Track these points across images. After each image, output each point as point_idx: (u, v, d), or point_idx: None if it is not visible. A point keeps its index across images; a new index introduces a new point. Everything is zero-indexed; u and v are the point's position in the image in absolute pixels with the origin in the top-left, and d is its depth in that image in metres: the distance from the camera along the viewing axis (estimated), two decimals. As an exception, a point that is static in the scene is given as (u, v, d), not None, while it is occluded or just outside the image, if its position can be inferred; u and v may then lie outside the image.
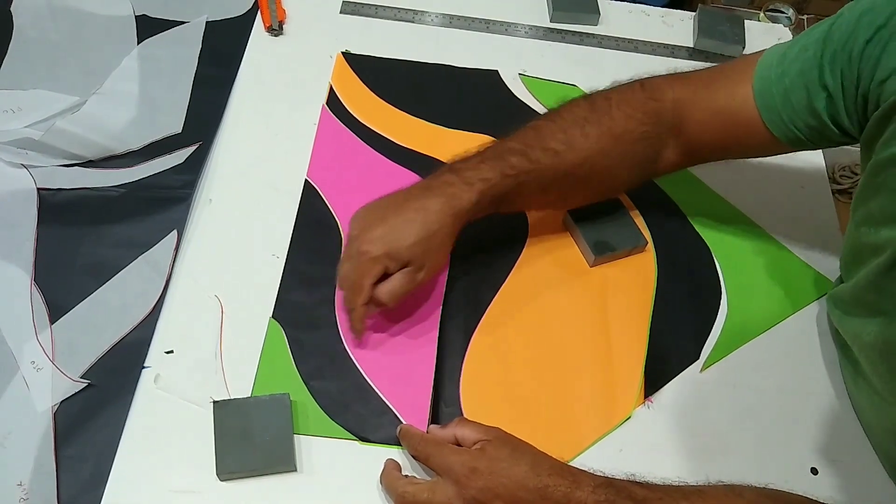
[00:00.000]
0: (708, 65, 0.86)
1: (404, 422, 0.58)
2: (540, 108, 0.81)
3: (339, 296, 0.65)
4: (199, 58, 0.81)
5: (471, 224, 0.70)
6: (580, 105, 0.63)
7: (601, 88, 0.65)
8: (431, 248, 0.58)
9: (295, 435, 0.57)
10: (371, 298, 0.58)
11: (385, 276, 0.58)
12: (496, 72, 0.83)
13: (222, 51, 0.82)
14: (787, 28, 0.93)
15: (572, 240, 0.70)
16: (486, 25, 0.88)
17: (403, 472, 0.56)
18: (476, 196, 0.58)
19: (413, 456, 0.56)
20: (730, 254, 0.71)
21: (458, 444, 0.54)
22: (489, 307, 0.66)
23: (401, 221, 0.58)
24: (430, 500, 0.51)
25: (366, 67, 0.82)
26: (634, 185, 0.68)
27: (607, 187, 0.67)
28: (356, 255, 0.58)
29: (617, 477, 0.52)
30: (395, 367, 0.61)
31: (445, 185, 0.59)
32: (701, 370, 0.64)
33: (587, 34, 0.88)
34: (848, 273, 0.60)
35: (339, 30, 0.86)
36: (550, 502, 0.49)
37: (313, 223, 0.69)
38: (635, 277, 0.69)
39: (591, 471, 0.52)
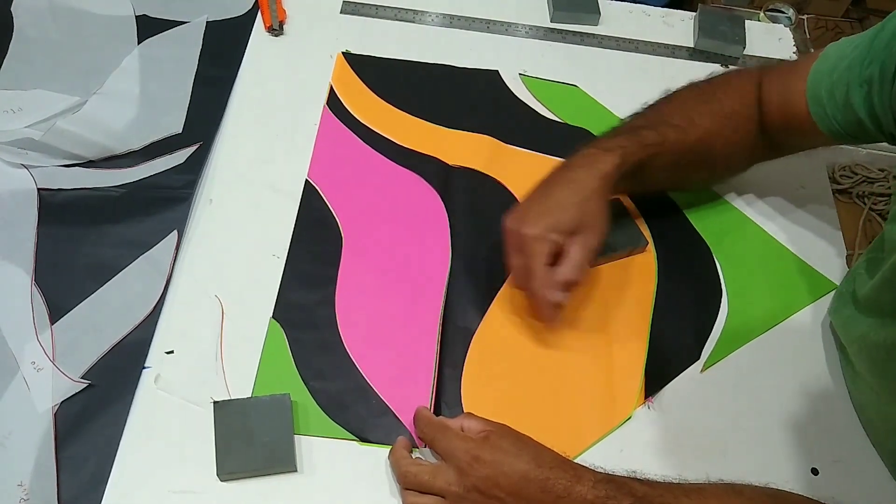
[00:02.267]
0: (708, 65, 0.86)
1: (404, 422, 0.59)
2: (540, 109, 0.81)
3: (339, 296, 0.65)
4: (199, 58, 0.81)
5: (471, 224, 0.70)
6: (688, 90, 0.67)
7: (700, 79, 0.68)
8: (589, 212, 0.59)
9: (295, 435, 0.57)
10: (556, 283, 0.58)
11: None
12: (496, 72, 0.83)
13: (223, 51, 0.82)
14: (788, 28, 0.93)
15: (573, 240, 0.70)
16: (487, 25, 0.88)
17: (416, 455, 0.57)
18: (617, 159, 0.60)
19: (420, 437, 0.56)
20: (730, 254, 0.71)
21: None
22: (490, 307, 0.66)
23: (552, 197, 0.59)
24: (431, 483, 0.52)
25: (366, 67, 0.82)
26: (745, 167, 0.71)
27: (723, 167, 0.70)
28: (519, 242, 0.59)
29: (618, 473, 0.52)
30: (395, 368, 0.61)
31: (585, 156, 0.61)
32: (701, 370, 0.64)
33: (588, 34, 0.88)
34: (869, 272, 0.60)
35: (339, 30, 0.86)
36: (551, 495, 0.50)
37: (314, 223, 0.69)
38: (636, 278, 0.69)
39: (593, 467, 0.53)
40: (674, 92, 0.68)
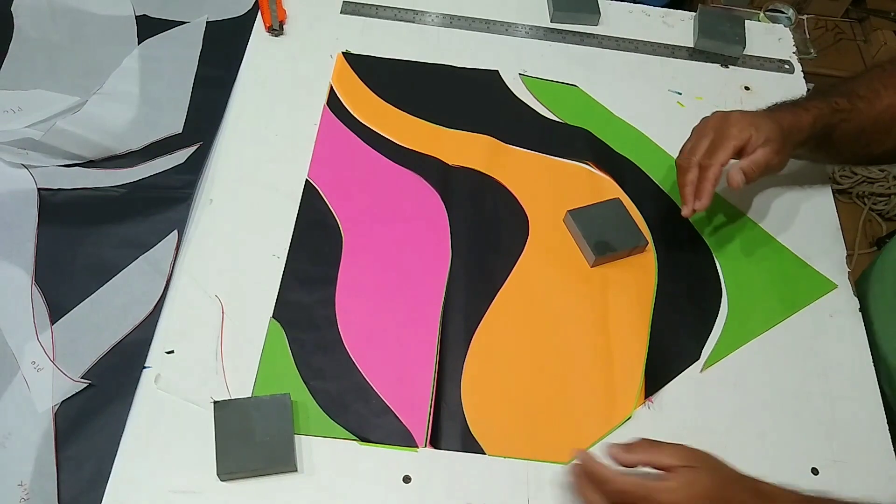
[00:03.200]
0: (708, 65, 0.86)
1: (404, 422, 0.59)
2: (540, 109, 0.81)
3: (339, 296, 0.65)
4: (199, 58, 0.81)
5: (471, 223, 0.71)
6: (877, 67, 0.70)
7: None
8: (784, 141, 0.64)
9: (295, 435, 0.57)
10: (732, 171, 0.63)
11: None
12: (496, 72, 0.83)
13: (223, 51, 0.82)
14: (788, 28, 0.93)
15: (573, 240, 0.70)
16: (487, 25, 0.88)
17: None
18: (812, 119, 0.65)
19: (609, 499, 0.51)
20: (730, 254, 0.71)
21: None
22: (490, 307, 0.66)
23: (756, 114, 0.65)
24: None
25: (366, 67, 0.82)
26: None
27: None
28: (723, 123, 0.64)
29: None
30: (396, 368, 0.62)
31: (785, 108, 0.67)
32: (701, 370, 0.64)
33: (587, 34, 0.88)
34: None
35: (339, 30, 0.86)
36: None
37: (314, 223, 0.69)
38: (636, 277, 0.69)
39: None
40: (864, 69, 0.71)
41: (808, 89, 0.85)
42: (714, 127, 0.65)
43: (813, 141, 0.66)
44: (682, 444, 0.52)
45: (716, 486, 0.49)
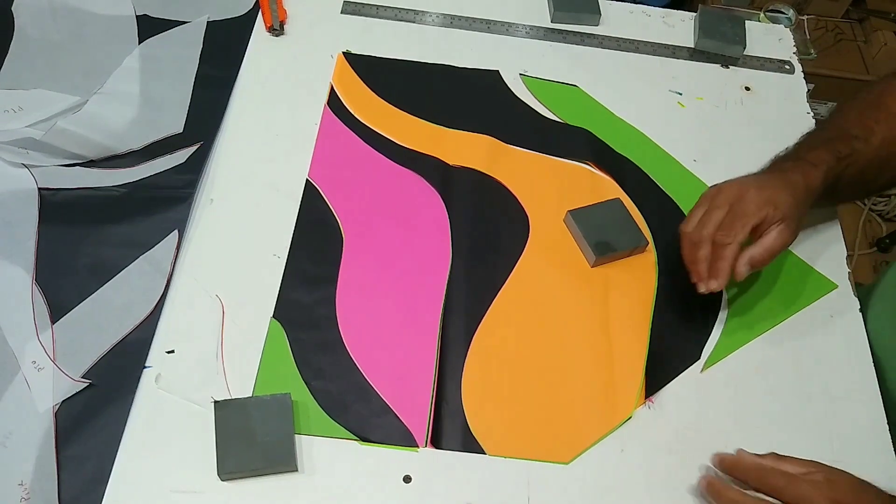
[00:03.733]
0: (708, 66, 0.86)
1: (404, 422, 0.59)
2: (541, 109, 0.81)
3: (340, 295, 0.65)
4: (200, 58, 0.81)
5: (472, 223, 0.71)
6: (855, 100, 0.68)
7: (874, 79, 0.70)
8: (799, 215, 0.62)
9: (296, 435, 0.57)
10: (741, 261, 0.60)
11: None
12: (497, 72, 0.83)
13: (223, 51, 0.82)
14: (788, 28, 0.93)
15: (573, 240, 0.70)
16: (487, 26, 0.88)
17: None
18: (822, 175, 0.63)
19: (754, 487, 0.54)
20: (730, 254, 0.71)
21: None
22: (490, 307, 0.66)
23: (772, 186, 0.61)
24: None
25: (367, 67, 0.82)
26: None
27: None
28: (739, 196, 0.61)
29: None
30: (396, 367, 0.62)
31: (795, 167, 0.64)
32: (702, 370, 0.64)
33: (588, 34, 0.88)
34: None
35: (340, 30, 0.86)
36: None
37: (314, 223, 0.69)
38: (636, 277, 0.69)
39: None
40: (842, 105, 0.69)
41: (809, 89, 0.84)
42: (729, 201, 0.62)
43: (821, 194, 0.64)
44: (812, 460, 0.55)
45: (854, 487, 0.53)
